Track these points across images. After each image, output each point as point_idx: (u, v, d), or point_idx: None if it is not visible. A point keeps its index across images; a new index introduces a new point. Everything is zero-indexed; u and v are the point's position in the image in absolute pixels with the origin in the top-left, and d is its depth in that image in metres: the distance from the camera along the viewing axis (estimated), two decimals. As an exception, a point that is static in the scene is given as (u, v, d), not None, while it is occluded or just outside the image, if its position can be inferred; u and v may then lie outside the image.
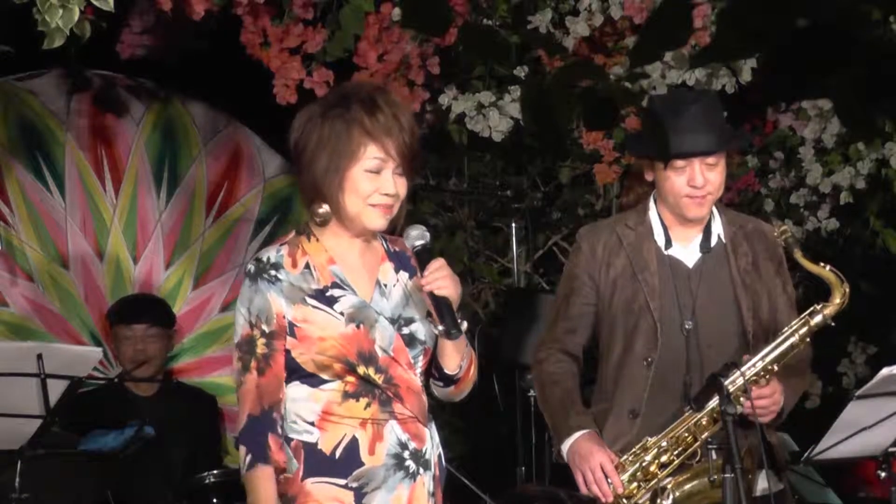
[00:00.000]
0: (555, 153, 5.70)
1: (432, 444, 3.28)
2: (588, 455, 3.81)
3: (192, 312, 6.06)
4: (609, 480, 3.79)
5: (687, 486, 3.82)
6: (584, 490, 3.82)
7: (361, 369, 3.18)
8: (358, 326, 3.19)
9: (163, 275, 6.07)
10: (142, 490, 5.21)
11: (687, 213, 3.90)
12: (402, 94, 4.98)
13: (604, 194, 6.36)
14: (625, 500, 3.82)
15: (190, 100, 6.18)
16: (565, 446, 3.89)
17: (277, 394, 3.20)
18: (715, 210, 3.97)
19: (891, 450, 4.05)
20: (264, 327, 3.20)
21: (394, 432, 3.21)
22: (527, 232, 6.18)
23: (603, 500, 3.80)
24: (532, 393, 5.50)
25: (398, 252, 3.34)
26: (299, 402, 3.20)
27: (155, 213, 6.08)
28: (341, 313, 3.20)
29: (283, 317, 3.19)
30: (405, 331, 3.24)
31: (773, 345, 3.82)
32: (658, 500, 3.83)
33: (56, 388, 4.24)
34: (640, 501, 3.82)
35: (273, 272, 3.21)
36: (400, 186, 3.22)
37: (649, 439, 3.83)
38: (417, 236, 3.24)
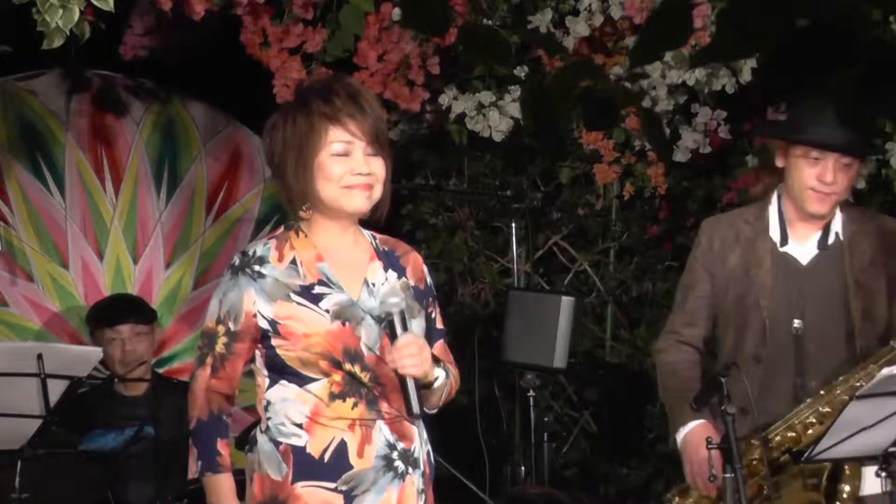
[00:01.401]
0: (555, 153, 5.71)
1: (420, 441, 3.28)
2: (699, 446, 3.77)
3: (192, 312, 6.06)
4: (713, 474, 3.72)
5: (785, 489, 3.80)
6: (689, 480, 3.84)
7: (347, 366, 3.16)
8: (343, 324, 3.18)
9: (163, 275, 6.07)
10: (141, 490, 5.20)
11: (808, 207, 3.85)
12: (402, 94, 4.98)
13: (604, 194, 6.35)
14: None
15: (190, 100, 6.18)
16: (679, 435, 3.88)
17: (227, 396, 3.24)
18: (837, 207, 3.91)
19: (891, 450, 4.04)
20: (230, 325, 3.21)
21: (382, 433, 3.20)
22: (527, 232, 6.17)
23: (704, 492, 3.81)
24: (532, 393, 5.50)
25: (388, 251, 3.33)
26: (288, 402, 3.19)
27: (155, 213, 6.08)
28: (327, 310, 3.18)
29: (254, 316, 3.18)
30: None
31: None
32: (763, 490, 3.80)
33: (56, 388, 4.24)
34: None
35: (257, 267, 3.20)
36: (374, 166, 3.20)
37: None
38: (394, 303, 3.18)
